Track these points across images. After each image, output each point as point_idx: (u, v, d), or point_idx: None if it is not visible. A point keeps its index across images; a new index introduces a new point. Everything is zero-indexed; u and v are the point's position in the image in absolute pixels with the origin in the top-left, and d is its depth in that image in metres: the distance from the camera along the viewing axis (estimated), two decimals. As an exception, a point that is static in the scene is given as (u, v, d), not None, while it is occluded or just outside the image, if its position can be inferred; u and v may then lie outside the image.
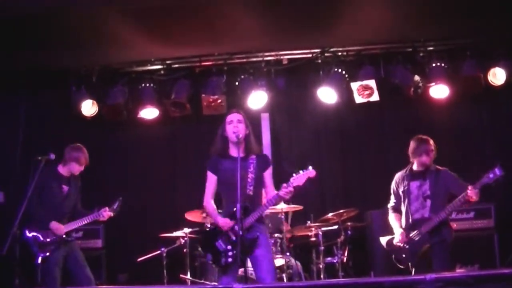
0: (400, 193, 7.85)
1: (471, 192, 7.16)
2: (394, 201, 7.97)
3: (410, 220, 7.67)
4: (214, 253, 6.65)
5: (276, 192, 6.64)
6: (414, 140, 7.87)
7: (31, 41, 8.86)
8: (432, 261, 7.45)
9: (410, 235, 7.58)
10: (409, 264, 7.64)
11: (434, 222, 7.44)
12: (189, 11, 8.39)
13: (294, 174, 6.57)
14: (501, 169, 7.12)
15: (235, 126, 6.67)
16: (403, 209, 7.80)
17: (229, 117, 6.79)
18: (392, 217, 7.94)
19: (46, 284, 7.57)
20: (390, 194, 8.03)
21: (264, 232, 6.72)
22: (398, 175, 8.00)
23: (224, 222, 6.59)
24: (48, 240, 7.75)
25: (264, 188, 6.84)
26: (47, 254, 7.70)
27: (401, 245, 7.66)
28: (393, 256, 7.82)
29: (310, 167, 6.59)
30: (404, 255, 7.66)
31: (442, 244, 7.49)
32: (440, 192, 7.63)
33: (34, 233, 7.75)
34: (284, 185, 6.56)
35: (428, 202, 7.62)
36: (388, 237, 7.91)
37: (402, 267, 7.72)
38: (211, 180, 6.80)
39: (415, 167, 7.84)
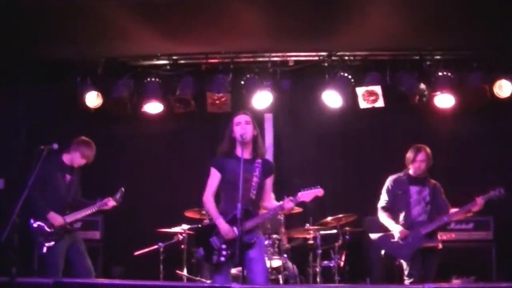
0: (397, 194, 8.06)
1: (480, 201, 7.54)
2: (386, 199, 8.18)
3: (411, 221, 7.88)
4: (206, 249, 6.61)
5: (279, 203, 6.70)
6: (411, 149, 8.14)
7: (38, 33, 8.86)
8: (427, 266, 7.76)
9: (409, 234, 7.82)
10: (403, 260, 7.85)
11: (434, 226, 7.75)
12: (198, 7, 8.37)
13: (301, 190, 6.60)
14: (502, 191, 7.61)
15: (242, 127, 6.66)
16: (400, 210, 8.02)
17: (237, 118, 6.77)
18: (384, 216, 8.13)
19: (48, 273, 7.58)
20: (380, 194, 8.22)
21: (261, 236, 6.76)
22: (393, 177, 8.22)
23: (227, 230, 6.54)
24: (52, 229, 7.75)
25: (263, 193, 6.81)
26: (52, 243, 7.71)
27: (396, 240, 7.83)
28: (383, 252, 7.95)
29: (319, 187, 6.63)
30: (396, 253, 7.88)
31: (436, 252, 7.83)
32: (436, 201, 7.98)
33: (39, 223, 7.76)
34: (290, 198, 6.62)
35: (429, 207, 7.92)
36: (379, 234, 8.07)
37: (396, 263, 7.88)
38: (215, 177, 6.77)
39: (412, 172, 8.08)
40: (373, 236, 8.09)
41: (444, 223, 7.82)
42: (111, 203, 8.06)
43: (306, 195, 6.59)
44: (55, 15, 8.40)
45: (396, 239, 7.87)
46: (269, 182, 6.84)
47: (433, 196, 7.95)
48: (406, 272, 7.75)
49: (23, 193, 6.72)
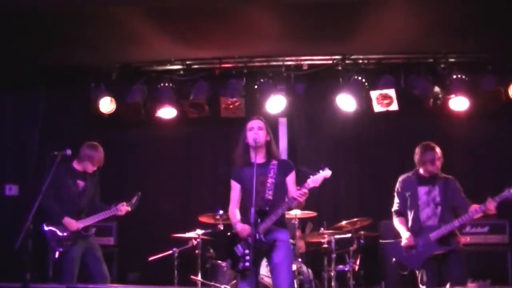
0: (406, 196, 7.76)
1: (490, 204, 7.11)
2: (398, 203, 7.90)
3: (420, 225, 7.58)
4: (233, 258, 6.68)
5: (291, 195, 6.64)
6: (420, 148, 7.81)
7: (53, 38, 8.89)
8: (448, 271, 7.39)
9: (418, 240, 7.52)
10: (412, 269, 7.60)
11: (444, 231, 7.37)
12: (211, 12, 8.37)
13: (311, 176, 6.55)
14: None
15: (255, 133, 6.69)
16: (409, 213, 7.73)
17: (250, 124, 6.81)
18: (397, 221, 7.87)
19: (62, 279, 7.61)
20: (393, 199, 7.99)
21: (284, 236, 6.70)
22: (402, 178, 7.92)
23: (242, 229, 6.62)
24: (65, 234, 7.77)
25: (287, 193, 6.80)
26: (65, 249, 7.72)
27: (406, 248, 7.61)
28: (394, 260, 7.77)
29: (327, 168, 6.55)
30: (406, 261, 7.61)
31: (454, 253, 7.42)
32: (449, 200, 7.57)
33: (52, 228, 7.78)
34: (298, 187, 6.57)
35: (439, 209, 7.54)
36: (391, 241, 7.91)
37: (404, 273, 7.67)
38: (235, 189, 6.87)
39: (422, 172, 7.76)
40: (384, 243, 7.94)
41: (454, 228, 7.38)
42: (124, 208, 8.05)
43: (315, 181, 6.51)
44: (69, 20, 8.43)
45: (407, 247, 7.62)
46: (290, 180, 6.79)
47: (444, 195, 7.55)
48: (419, 279, 7.54)
49: (36, 200, 6.74)
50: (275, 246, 6.55)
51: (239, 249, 6.63)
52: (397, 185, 7.95)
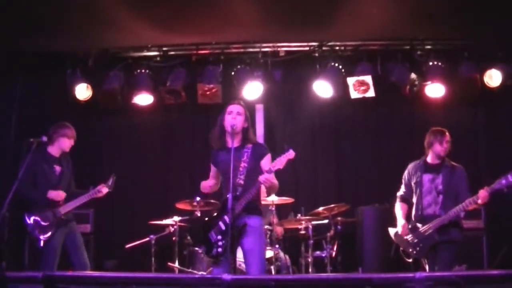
0: (412, 184, 7.75)
1: (482, 194, 7.13)
2: (404, 190, 7.89)
3: (421, 213, 7.59)
4: (207, 245, 6.67)
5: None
6: (430, 131, 7.79)
7: (29, 24, 8.78)
8: (436, 259, 7.42)
9: (420, 229, 7.50)
10: (417, 257, 7.57)
11: (443, 221, 7.38)
12: (188, -2, 8.36)
13: (275, 159, 6.55)
14: None
15: (233, 117, 6.67)
16: (414, 200, 7.72)
17: (230, 108, 6.79)
18: (398, 207, 7.88)
19: (43, 267, 7.55)
20: (401, 184, 7.95)
21: (254, 222, 6.63)
22: (411, 165, 7.88)
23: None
24: (48, 222, 7.70)
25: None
26: (49, 236, 7.66)
27: (407, 238, 7.60)
28: (401, 249, 7.73)
29: (291, 150, 6.54)
30: (411, 249, 7.58)
31: (449, 244, 7.43)
32: (452, 189, 7.55)
33: (34, 217, 7.70)
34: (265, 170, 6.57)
35: (441, 197, 7.53)
36: (396, 229, 7.83)
37: (409, 260, 7.67)
38: (213, 170, 6.99)
39: (429, 159, 7.74)
40: (391, 231, 7.88)
41: (448, 219, 7.34)
42: (104, 189, 7.98)
43: (279, 162, 6.49)
44: (46, 6, 8.34)
45: (409, 235, 7.59)
46: (265, 163, 6.71)
47: (448, 184, 7.53)
48: (427, 267, 7.51)
49: (13, 187, 6.68)
50: (245, 231, 6.52)
51: (212, 235, 6.62)
52: (405, 171, 7.91)
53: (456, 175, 7.60)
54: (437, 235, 7.41)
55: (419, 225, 7.56)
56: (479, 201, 7.18)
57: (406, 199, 7.86)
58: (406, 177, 7.88)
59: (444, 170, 7.63)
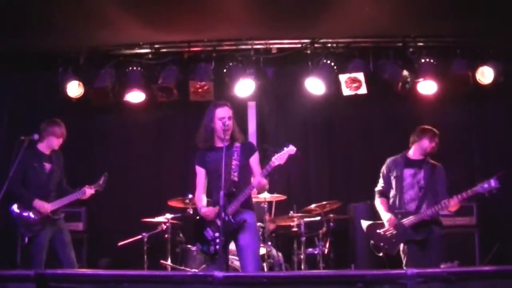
0: (392, 178, 7.80)
1: (453, 202, 7.27)
2: (382, 185, 7.96)
3: (402, 208, 7.63)
4: (203, 242, 6.68)
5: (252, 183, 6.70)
6: (421, 128, 7.85)
7: (21, 22, 8.78)
8: (426, 257, 7.45)
9: (400, 222, 7.55)
10: (388, 252, 7.63)
11: (421, 218, 7.43)
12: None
13: (275, 154, 6.57)
14: (497, 181, 7.11)
15: (227, 124, 6.64)
16: (393, 194, 7.78)
17: (221, 112, 6.77)
18: (378, 202, 7.94)
19: (32, 265, 7.53)
20: (378, 178, 8.02)
21: (251, 218, 6.71)
22: (390, 160, 7.95)
23: (207, 212, 6.61)
24: (34, 219, 7.67)
25: (252, 175, 6.83)
26: (34, 234, 7.64)
27: (382, 232, 7.66)
28: (372, 242, 7.81)
29: (291, 145, 6.59)
30: (383, 243, 7.65)
31: (434, 240, 7.49)
32: (432, 185, 7.62)
33: (21, 212, 7.66)
34: (263, 169, 6.66)
35: (422, 192, 7.60)
36: (369, 222, 7.91)
37: (378, 254, 7.72)
38: (200, 174, 6.89)
39: (411, 154, 7.82)
40: (364, 223, 7.96)
41: (424, 218, 7.40)
42: (88, 191, 7.97)
43: (280, 158, 6.57)
44: (37, 4, 8.32)
45: (385, 230, 7.66)
46: (254, 162, 6.82)
47: (429, 180, 7.62)
48: (404, 263, 7.59)
49: (3, 185, 6.66)
50: (243, 227, 6.55)
51: (209, 232, 6.63)
52: (384, 166, 7.99)
53: (436, 173, 7.69)
54: (412, 233, 7.47)
55: (399, 218, 7.60)
56: (450, 208, 7.33)
57: (384, 194, 7.93)
58: (385, 171, 7.95)
59: (426, 166, 7.72)
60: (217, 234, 6.54)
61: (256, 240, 6.82)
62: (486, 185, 7.14)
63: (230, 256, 7.27)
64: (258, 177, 6.62)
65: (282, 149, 6.61)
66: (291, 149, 6.59)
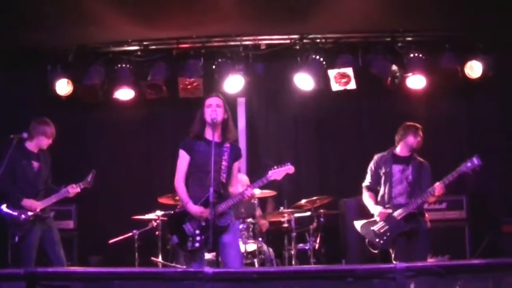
0: (381, 174, 7.89)
1: (438, 187, 7.39)
2: (370, 180, 8.02)
3: (391, 202, 7.73)
4: (180, 236, 6.58)
5: (240, 191, 6.70)
6: (404, 125, 7.96)
7: (8, 19, 8.74)
8: (413, 248, 7.58)
9: (391, 214, 7.65)
10: (383, 248, 7.70)
11: (409, 209, 7.54)
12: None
13: (274, 167, 6.61)
14: (479, 159, 7.32)
15: (213, 110, 6.61)
16: (382, 190, 7.86)
17: (208, 101, 6.73)
18: (366, 196, 8.00)
19: (22, 264, 7.51)
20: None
21: (234, 219, 6.76)
22: (378, 156, 8.03)
23: (198, 211, 6.52)
24: (24, 218, 7.64)
25: (231, 177, 6.79)
26: (24, 233, 7.62)
27: (376, 229, 7.71)
28: (367, 240, 7.85)
29: (290, 164, 6.62)
30: (378, 239, 7.69)
31: (420, 232, 7.60)
32: (419, 181, 7.74)
33: (10, 211, 7.64)
34: (250, 185, 6.75)
35: (411, 187, 7.71)
36: (362, 221, 7.93)
37: (375, 251, 7.76)
38: (184, 160, 6.70)
39: (398, 151, 7.91)
40: (357, 224, 7.97)
41: (413, 208, 7.54)
42: (73, 190, 7.92)
43: (277, 173, 6.61)
44: (24, 1, 8.30)
45: (378, 226, 7.70)
46: (236, 166, 6.83)
47: (417, 176, 7.74)
48: (393, 256, 7.66)
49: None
50: (228, 228, 6.54)
51: (188, 227, 6.53)
52: (372, 162, 8.06)
53: (423, 170, 7.82)
54: (404, 224, 7.58)
55: (387, 210, 7.72)
56: (436, 193, 7.43)
57: (372, 189, 8.01)
58: (373, 167, 8.02)
59: (413, 162, 7.84)
60: (197, 232, 6.49)
61: (238, 237, 6.92)
62: (469, 164, 7.34)
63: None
64: (250, 190, 6.64)
65: (281, 166, 6.64)
66: (289, 168, 6.65)
